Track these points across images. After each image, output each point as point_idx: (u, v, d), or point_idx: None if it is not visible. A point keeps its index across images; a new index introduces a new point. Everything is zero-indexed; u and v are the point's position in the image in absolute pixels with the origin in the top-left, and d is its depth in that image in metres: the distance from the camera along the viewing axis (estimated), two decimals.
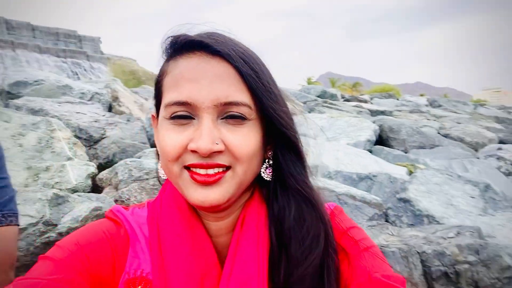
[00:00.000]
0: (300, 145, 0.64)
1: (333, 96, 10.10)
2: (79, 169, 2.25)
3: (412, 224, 2.69)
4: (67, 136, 2.48)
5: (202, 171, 0.57)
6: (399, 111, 9.27)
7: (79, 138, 2.75)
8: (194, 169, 0.57)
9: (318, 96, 9.34)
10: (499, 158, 5.20)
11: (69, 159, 2.33)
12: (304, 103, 7.78)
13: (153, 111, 0.70)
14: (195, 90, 0.56)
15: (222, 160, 0.57)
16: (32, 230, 1.43)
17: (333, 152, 3.78)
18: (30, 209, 1.51)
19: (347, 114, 6.79)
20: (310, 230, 0.61)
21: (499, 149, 5.61)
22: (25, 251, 1.44)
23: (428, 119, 8.43)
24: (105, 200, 1.82)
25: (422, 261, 1.85)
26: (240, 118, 0.57)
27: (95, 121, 3.10)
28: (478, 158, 5.34)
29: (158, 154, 0.70)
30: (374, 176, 3.45)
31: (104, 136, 2.97)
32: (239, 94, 0.57)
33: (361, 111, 8.15)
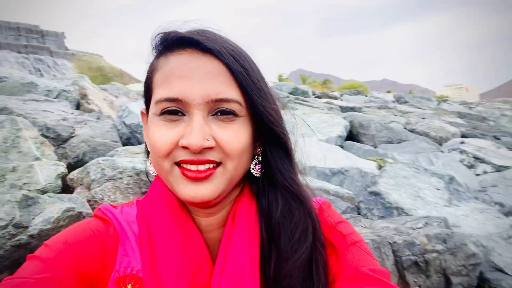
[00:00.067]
0: (289, 142, 0.65)
1: (304, 93, 10.24)
2: (48, 169, 2.16)
3: (382, 216, 2.79)
4: (34, 135, 2.38)
5: (193, 167, 0.57)
6: (368, 107, 9.52)
7: (46, 137, 2.65)
8: (185, 165, 0.58)
9: (290, 93, 9.44)
10: (461, 152, 5.45)
11: (37, 159, 2.24)
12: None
13: (142, 107, 0.70)
14: (186, 87, 0.57)
15: (213, 156, 0.57)
16: (1, 233, 1.37)
17: (307, 148, 3.83)
18: None
19: (319, 110, 6.90)
20: (298, 225, 0.63)
21: (462, 143, 5.89)
22: None
23: (395, 115, 8.71)
24: (77, 201, 1.76)
25: (393, 251, 1.93)
26: (230, 115, 0.58)
27: (63, 120, 2.99)
28: (442, 151, 5.58)
29: (147, 151, 0.70)
30: (346, 171, 3.53)
31: (73, 134, 2.87)
32: (230, 91, 0.57)
33: (332, 108, 8.31)
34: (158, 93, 0.60)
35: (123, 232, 0.65)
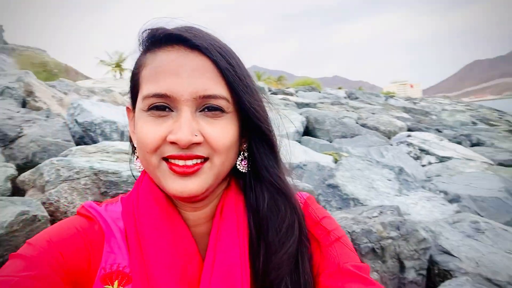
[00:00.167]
0: (274, 138, 0.67)
1: (261, 90, 10.30)
2: None
3: (340, 208, 2.91)
4: None
5: (180, 162, 0.58)
6: (322, 103, 9.82)
7: None
8: (172, 161, 0.58)
9: None
10: (408, 144, 5.81)
11: None
12: None
13: (128, 103, 0.69)
14: (175, 83, 0.57)
15: (201, 151, 0.58)
16: None
17: None
18: None
19: (275, 107, 7.00)
20: (285, 219, 0.65)
21: (408, 136, 6.27)
22: None
23: (347, 111, 9.07)
24: (31, 204, 1.66)
25: (352, 240, 2.02)
26: (218, 111, 0.59)
27: (9, 118, 2.79)
28: (391, 144, 5.91)
29: (133, 146, 0.69)
30: (304, 165, 3.63)
31: (21, 134, 2.70)
32: (217, 88, 0.58)
33: (288, 104, 8.47)
34: (146, 89, 0.60)
35: (109, 229, 0.64)
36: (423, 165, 5.23)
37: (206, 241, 0.66)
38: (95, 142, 3.19)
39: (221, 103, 0.59)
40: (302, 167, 3.64)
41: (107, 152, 2.59)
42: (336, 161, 4.00)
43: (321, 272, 0.65)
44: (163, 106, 0.59)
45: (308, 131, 5.93)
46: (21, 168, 2.34)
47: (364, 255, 2.01)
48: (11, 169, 2.03)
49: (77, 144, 3.14)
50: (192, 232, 0.65)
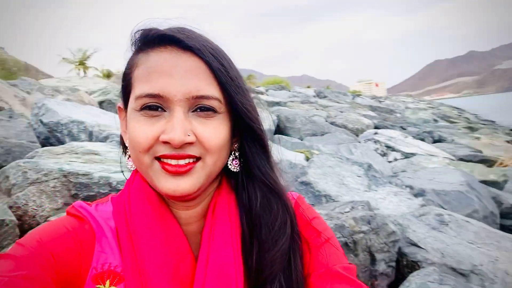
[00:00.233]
0: (266, 138, 0.68)
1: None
2: None
3: (313, 204, 2.97)
4: None
5: (173, 162, 0.58)
6: (292, 102, 9.96)
7: None
8: (165, 160, 0.58)
9: None
10: (375, 142, 6.01)
11: None
12: None
13: (119, 103, 0.68)
14: (168, 83, 0.57)
15: (193, 151, 0.59)
16: None
17: None
18: None
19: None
20: (277, 217, 0.66)
21: (375, 133, 6.48)
22: None
23: (317, 109, 9.24)
24: None
25: None
26: (210, 111, 0.60)
27: None
28: (359, 142, 6.09)
29: (124, 146, 0.69)
30: (276, 163, 3.68)
31: None
32: (210, 88, 0.59)
33: (258, 103, 8.51)
34: (139, 89, 0.60)
35: (100, 228, 0.63)
36: (390, 161, 5.43)
37: (197, 240, 0.67)
38: (62, 143, 3.08)
39: (214, 103, 0.60)
40: None
41: (76, 153, 2.51)
42: (307, 158, 4.08)
43: (310, 272, 0.66)
44: (155, 106, 0.59)
45: (279, 130, 6.00)
46: None
47: None
48: None
49: (43, 145, 3.02)
50: (183, 230, 0.66)
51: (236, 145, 0.69)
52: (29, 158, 2.28)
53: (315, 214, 0.75)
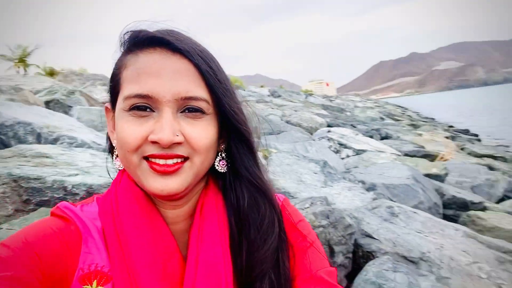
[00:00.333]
0: (252, 139, 0.70)
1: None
2: None
3: None
4: None
5: (161, 161, 0.59)
6: (248, 101, 10.01)
7: None
8: (153, 160, 0.59)
9: None
10: (329, 139, 6.24)
11: None
12: None
13: (107, 103, 0.67)
14: (157, 84, 0.58)
15: (181, 151, 0.60)
16: None
17: None
18: None
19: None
20: (265, 217, 0.68)
21: (328, 131, 6.72)
22: None
23: (272, 108, 9.39)
24: None
25: None
26: (198, 112, 0.61)
27: None
28: (314, 140, 6.29)
29: (111, 146, 0.68)
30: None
31: None
32: (199, 90, 0.60)
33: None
34: (128, 89, 0.60)
35: (86, 229, 0.62)
36: (342, 158, 5.66)
37: (184, 239, 0.67)
38: (7, 146, 2.88)
39: (202, 104, 0.61)
40: None
41: (25, 157, 2.36)
42: (266, 157, 4.15)
43: (295, 276, 0.68)
44: (144, 106, 0.59)
45: None
46: None
47: None
48: None
49: None
50: (170, 229, 0.66)
51: (222, 146, 0.70)
52: None
53: (300, 217, 0.77)
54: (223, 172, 0.70)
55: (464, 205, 4.01)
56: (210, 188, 0.71)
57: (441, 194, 4.14)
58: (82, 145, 3.25)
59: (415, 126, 15.57)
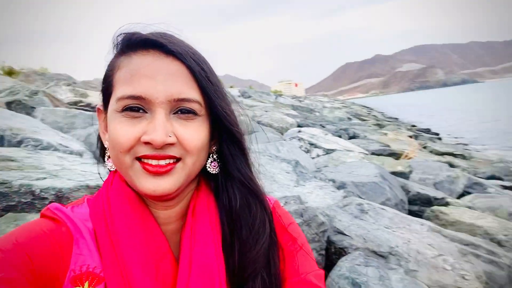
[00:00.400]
0: (244, 141, 0.71)
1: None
2: None
3: None
4: None
5: (154, 162, 0.59)
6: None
7: None
8: (146, 160, 0.59)
9: None
10: (299, 139, 6.34)
11: None
12: None
13: (99, 104, 0.67)
14: (151, 85, 0.58)
15: (174, 152, 0.60)
16: None
17: None
18: None
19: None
20: (256, 217, 0.69)
21: (299, 131, 6.83)
22: None
23: (242, 109, 9.40)
24: None
25: None
26: (191, 114, 0.62)
27: None
28: (285, 140, 6.36)
29: (102, 147, 0.68)
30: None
31: None
32: (191, 92, 0.61)
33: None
34: (121, 91, 0.60)
35: (77, 230, 0.62)
36: (313, 158, 5.78)
37: (175, 239, 0.68)
38: None
39: (194, 106, 0.62)
40: None
41: None
42: None
43: (285, 279, 0.70)
44: (137, 107, 0.60)
45: None
46: None
47: None
48: None
49: None
50: (162, 230, 0.66)
51: (214, 148, 0.71)
52: None
53: (291, 219, 0.78)
54: (215, 173, 0.71)
55: (428, 201, 4.20)
56: (202, 189, 0.72)
57: (406, 191, 4.32)
58: (48, 147, 3.13)
59: (380, 126, 16.11)
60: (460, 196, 5.04)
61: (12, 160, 2.32)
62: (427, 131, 18.33)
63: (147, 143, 0.59)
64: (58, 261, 0.58)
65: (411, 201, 4.20)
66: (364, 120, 18.23)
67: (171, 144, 0.60)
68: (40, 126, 3.70)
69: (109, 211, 0.64)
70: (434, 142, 12.53)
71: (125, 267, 0.59)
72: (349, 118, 16.76)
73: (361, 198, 3.64)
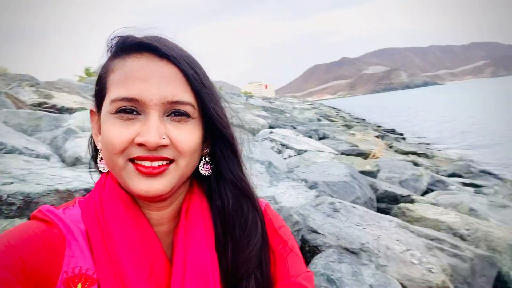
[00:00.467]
0: (236, 143, 0.72)
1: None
2: None
3: None
4: None
5: (147, 163, 0.60)
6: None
7: None
8: (139, 162, 0.60)
9: None
10: (271, 140, 6.40)
11: None
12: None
13: (92, 106, 0.67)
14: (145, 88, 0.59)
15: (167, 153, 0.61)
16: None
17: None
18: None
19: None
20: (248, 218, 0.71)
21: (271, 132, 6.90)
22: None
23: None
24: None
25: None
26: (184, 116, 0.63)
27: None
28: (257, 141, 6.41)
29: (95, 148, 0.68)
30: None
31: None
32: (185, 94, 0.62)
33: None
34: (115, 93, 0.61)
35: (70, 232, 0.61)
36: (285, 158, 5.86)
37: (168, 240, 0.68)
38: None
39: (188, 109, 0.63)
40: None
41: None
42: None
43: (276, 281, 0.72)
44: (131, 109, 0.60)
45: None
46: None
47: None
48: None
49: None
50: (155, 231, 0.67)
51: (206, 150, 0.72)
52: None
53: (282, 222, 0.80)
54: (207, 175, 0.72)
55: (395, 199, 4.38)
56: (195, 191, 0.73)
57: (375, 189, 4.48)
58: (12, 151, 3.00)
59: (348, 127, 16.54)
60: (424, 193, 5.28)
61: None
62: (392, 131, 19.00)
63: (140, 144, 0.59)
64: (50, 263, 0.58)
65: (379, 199, 4.36)
66: (333, 121, 18.65)
67: (165, 146, 0.61)
68: (3, 129, 3.54)
69: (102, 212, 0.64)
70: (399, 142, 13.03)
71: (119, 268, 0.60)
72: (319, 119, 17.09)
73: (332, 197, 3.73)
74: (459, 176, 7.82)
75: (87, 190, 2.37)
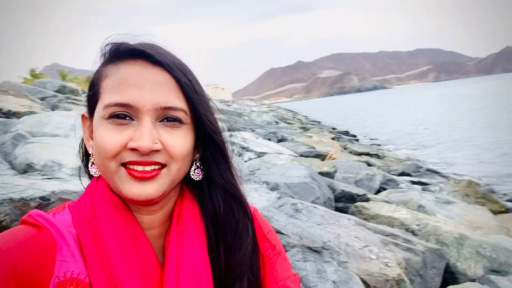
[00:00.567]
0: (227, 149, 0.75)
1: (74, 91, 9.25)
2: None
3: None
4: None
5: (139, 168, 0.61)
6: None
7: None
8: (131, 166, 0.61)
9: (57, 91, 8.34)
10: (231, 143, 6.43)
11: None
12: (43, 99, 6.79)
13: (83, 111, 0.66)
14: (138, 94, 0.61)
15: (159, 158, 0.63)
16: None
17: None
18: None
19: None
20: (239, 222, 0.73)
21: (230, 135, 6.91)
22: None
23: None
24: None
25: None
26: (176, 122, 0.64)
27: None
28: None
29: (85, 153, 0.67)
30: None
31: None
32: (177, 101, 0.64)
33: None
34: (108, 98, 0.61)
35: (61, 236, 0.61)
36: (246, 161, 5.91)
37: (159, 244, 0.69)
38: None
39: (180, 114, 0.64)
40: None
41: None
42: None
43: (266, 284, 0.74)
44: (124, 114, 0.61)
45: None
46: None
47: None
48: None
49: None
50: (146, 235, 0.68)
51: (197, 156, 0.73)
52: None
53: (270, 227, 0.82)
54: (198, 180, 0.74)
55: (352, 198, 4.58)
56: (186, 196, 0.74)
57: (333, 189, 4.65)
58: None
59: (305, 129, 16.98)
60: (378, 192, 5.57)
61: None
62: (346, 133, 19.77)
63: (133, 149, 0.60)
64: (41, 268, 0.57)
65: (337, 199, 4.53)
66: (290, 123, 19.05)
67: (157, 151, 0.62)
68: None
69: (94, 216, 0.64)
70: (352, 143, 13.59)
71: (112, 271, 0.60)
72: (277, 122, 17.38)
73: (293, 198, 3.84)
74: (408, 175, 8.32)
75: (42, 199, 2.26)
